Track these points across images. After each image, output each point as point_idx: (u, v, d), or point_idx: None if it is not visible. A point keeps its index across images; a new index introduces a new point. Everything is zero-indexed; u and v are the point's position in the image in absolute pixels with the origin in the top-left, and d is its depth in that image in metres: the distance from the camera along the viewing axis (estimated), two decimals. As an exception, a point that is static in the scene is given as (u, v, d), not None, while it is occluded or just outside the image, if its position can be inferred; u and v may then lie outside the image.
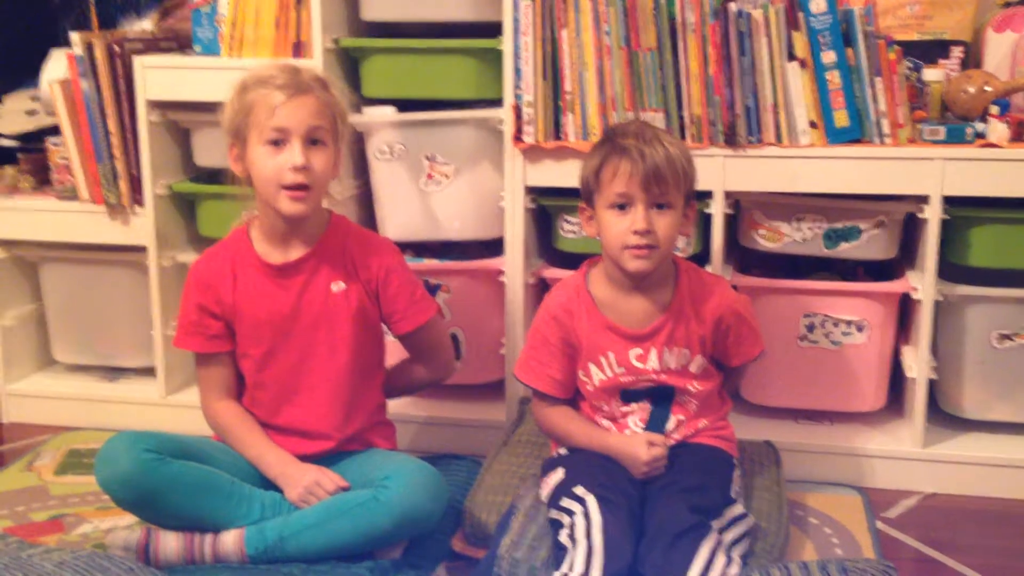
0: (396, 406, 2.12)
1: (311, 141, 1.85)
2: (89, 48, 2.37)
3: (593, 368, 1.90)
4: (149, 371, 2.56)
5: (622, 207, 1.82)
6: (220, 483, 1.84)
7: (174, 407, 2.50)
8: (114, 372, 2.66)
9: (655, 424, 1.89)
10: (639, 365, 1.87)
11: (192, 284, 1.97)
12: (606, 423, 1.91)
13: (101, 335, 2.62)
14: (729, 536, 1.73)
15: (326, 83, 1.90)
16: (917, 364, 2.17)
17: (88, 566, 1.68)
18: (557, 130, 2.22)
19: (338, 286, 1.92)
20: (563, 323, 1.91)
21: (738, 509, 1.78)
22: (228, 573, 1.79)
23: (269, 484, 1.91)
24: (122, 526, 1.97)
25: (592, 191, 1.87)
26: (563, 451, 1.95)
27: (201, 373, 1.99)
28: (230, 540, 1.82)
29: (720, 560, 1.62)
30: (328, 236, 1.94)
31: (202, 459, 1.86)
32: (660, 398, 1.88)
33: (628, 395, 1.89)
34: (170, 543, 1.82)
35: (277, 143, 1.84)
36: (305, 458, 1.92)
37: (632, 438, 1.85)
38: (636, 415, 1.89)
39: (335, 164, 1.92)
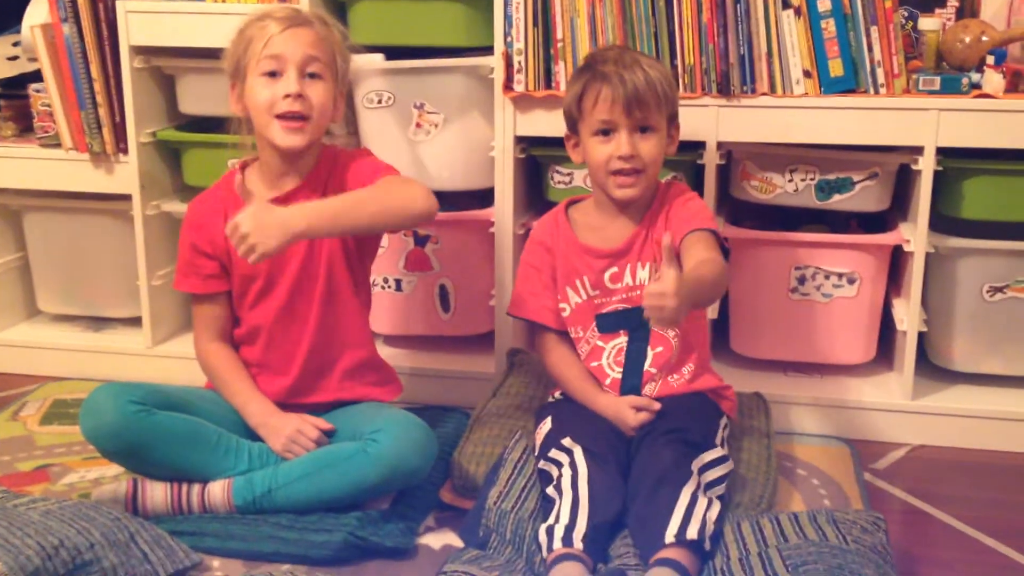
0: (385, 358, 2.10)
1: (308, 75, 1.84)
2: (71, -9, 2.32)
3: (570, 292, 1.92)
4: (135, 321, 2.54)
5: (606, 133, 1.85)
6: (207, 434, 1.83)
7: (160, 357, 2.49)
8: (99, 322, 2.64)
9: (633, 364, 1.88)
10: (612, 285, 1.89)
11: (186, 225, 1.97)
12: (585, 348, 1.92)
13: (86, 285, 2.59)
14: (707, 477, 1.73)
15: (327, 21, 1.90)
16: (908, 317, 2.16)
17: (74, 516, 1.67)
18: (548, 79, 2.18)
19: None
20: (549, 248, 1.95)
21: (718, 452, 1.78)
22: (216, 523, 1.79)
23: (257, 435, 1.91)
24: (109, 476, 1.97)
25: (576, 119, 1.89)
26: (558, 395, 1.97)
27: (196, 313, 1.98)
28: (218, 491, 1.82)
29: (702, 503, 1.63)
30: (318, 168, 1.92)
31: (189, 410, 1.85)
32: (635, 327, 1.87)
33: (604, 323, 1.89)
34: (157, 493, 1.82)
35: (273, 74, 1.83)
36: (293, 393, 1.93)
37: (619, 404, 1.85)
38: (611, 356, 1.89)
39: (336, 105, 1.90)
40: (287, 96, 1.82)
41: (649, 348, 1.88)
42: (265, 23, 1.85)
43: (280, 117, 1.83)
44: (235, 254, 1.90)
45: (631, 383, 1.88)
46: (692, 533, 1.59)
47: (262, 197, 1.90)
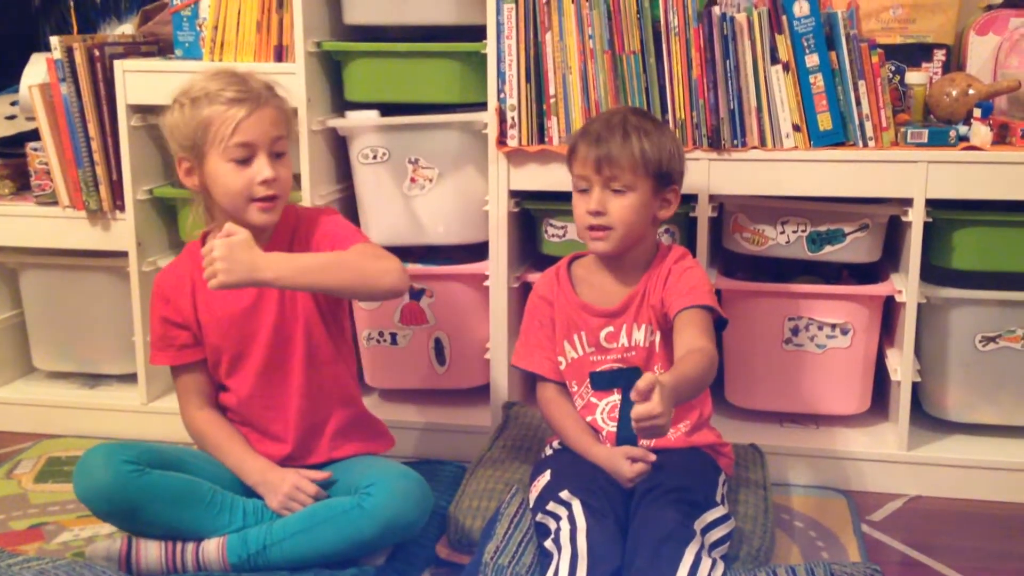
0: (380, 412, 2.10)
1: (275, 154, 1.85)
2: (69, 52, 2.35)
3: (566, 346, 1.94)
4: (130, 378, 2.53)
5: (584, 190, 1.89)
6: (201, 492, 1.82)
7: (155, 414, 2.48)
8: (95, 379, 2.64)
9: (627, 419, 1.87)
10: (608, 345, 1.90)
11: (154, 299, 1.96)
12: (579, 403, 1.94)
13: (82, 342, 2.60)
14: (711, 538, 1.72)
15: (273, 87, 1.89)
16: (901, 367, 2.17)
17: (68, 575, 1.66)
18: (541, 133, 2.21)
19: None
20: (550, 302, 1.97)
21: (721, 511, 1.77)
22: (211, 581, 1.78)
23: (252, 491, 1.90)
24: (103, 535, 1.96)
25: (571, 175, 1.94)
26: (557, 444, 1.97)
27: (178, 384, 1.98)
28: (212, 548, 1.81)
29: (705, 564, 1.62)
30: (280, 230, 1.91)
31: (183, 468, 1.85)
32: (629, 386, 1.87)
33: (598, 381, 1.89)
34: (151, 552, 1.81)
35: (242, 160, 1.82)
36: (289, 459, 1.92)
37: (614, 455, 1.83)
38: (605, 411, 1.90)
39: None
40: (263, 182, 1.82)
41: None
42: (226, 108, 1.81)
43: (256, 200, 1.84)
44: (204, 324, 1.91)
45: (625, 435, 1.87)
46: None
47: None
